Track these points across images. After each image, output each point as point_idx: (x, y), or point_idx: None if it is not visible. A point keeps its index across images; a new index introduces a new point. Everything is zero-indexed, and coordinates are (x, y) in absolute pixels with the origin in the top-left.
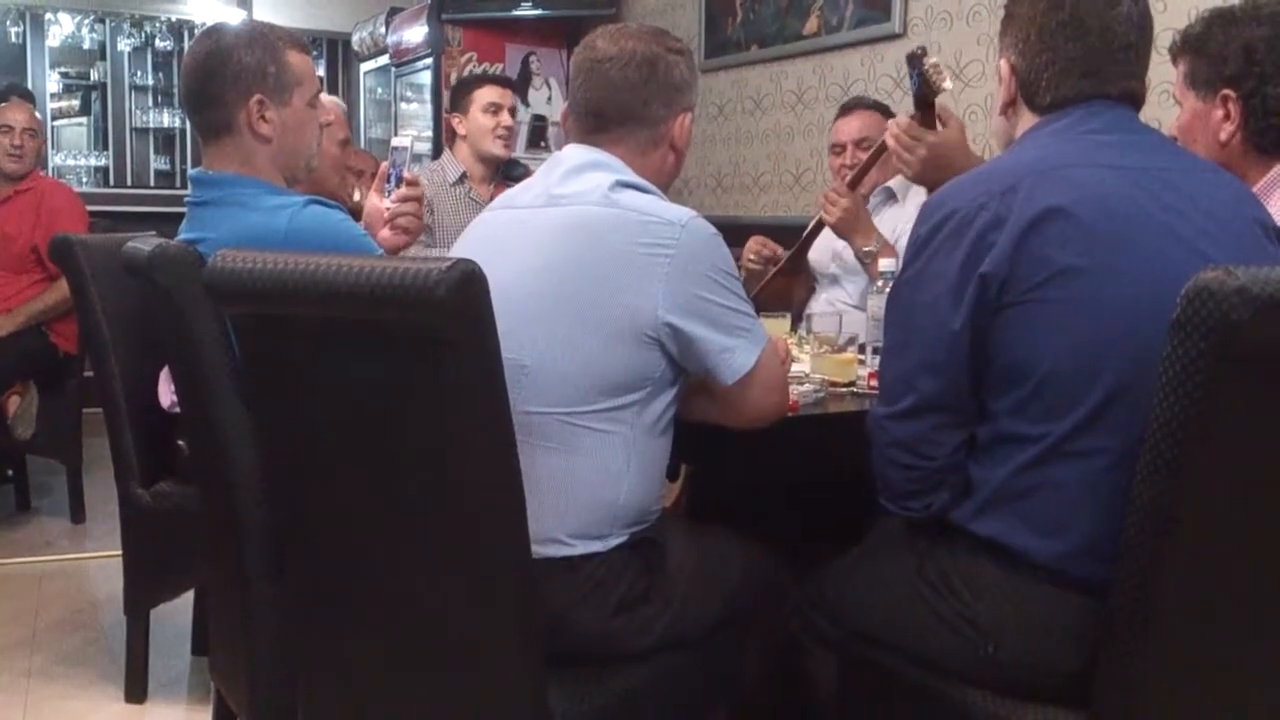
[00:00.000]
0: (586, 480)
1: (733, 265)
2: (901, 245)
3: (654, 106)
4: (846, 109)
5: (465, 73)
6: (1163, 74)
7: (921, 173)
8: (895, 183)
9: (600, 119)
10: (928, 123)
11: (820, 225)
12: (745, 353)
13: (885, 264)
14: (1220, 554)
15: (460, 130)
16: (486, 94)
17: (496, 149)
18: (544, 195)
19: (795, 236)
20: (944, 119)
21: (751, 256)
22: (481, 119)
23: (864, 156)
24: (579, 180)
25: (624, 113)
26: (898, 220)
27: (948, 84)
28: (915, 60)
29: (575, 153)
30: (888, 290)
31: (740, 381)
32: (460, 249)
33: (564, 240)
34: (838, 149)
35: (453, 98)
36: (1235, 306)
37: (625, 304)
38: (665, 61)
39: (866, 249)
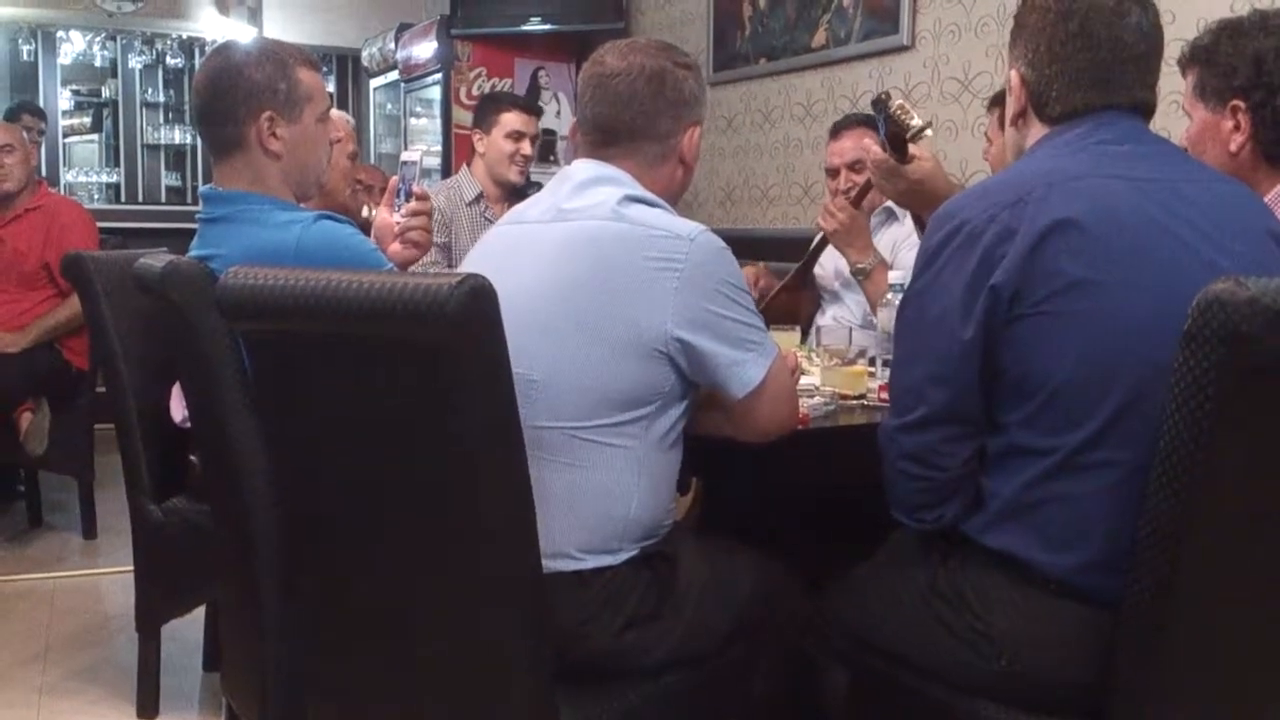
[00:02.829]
0: (596, 494)
1: (742, 278)
2: (900, 262)
3: (662, 121)
4: (837, 130)
5: (475, 88)
6: (1172, 85)
7: (900, 200)
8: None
9: (609, 134)
10: (903, 160)
11: (826, 240)
12: (755, 366)
13: (895, 276)
14: (1232, 565)
15: (479, 148)
16: (512, 120)
17: (512, 175)
18: (553, 210)
19: (803, 249)
20: (917, 153)
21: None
22: (502, 144)
23: (858, 180)
24: (588, 195)
25: (632, 127)
26: (897, 237)
27: (916, 121)
28: (881, 105)
29: (584, 167)
30: (898, 302)
31: (750, 395)
32: (470, 264)
33: (573, 255)
34: (832, 173)
35: (477, 114)
36: (1246, 318)
37: (635, 318)
38: (673, 76)
39: (860, 265)
